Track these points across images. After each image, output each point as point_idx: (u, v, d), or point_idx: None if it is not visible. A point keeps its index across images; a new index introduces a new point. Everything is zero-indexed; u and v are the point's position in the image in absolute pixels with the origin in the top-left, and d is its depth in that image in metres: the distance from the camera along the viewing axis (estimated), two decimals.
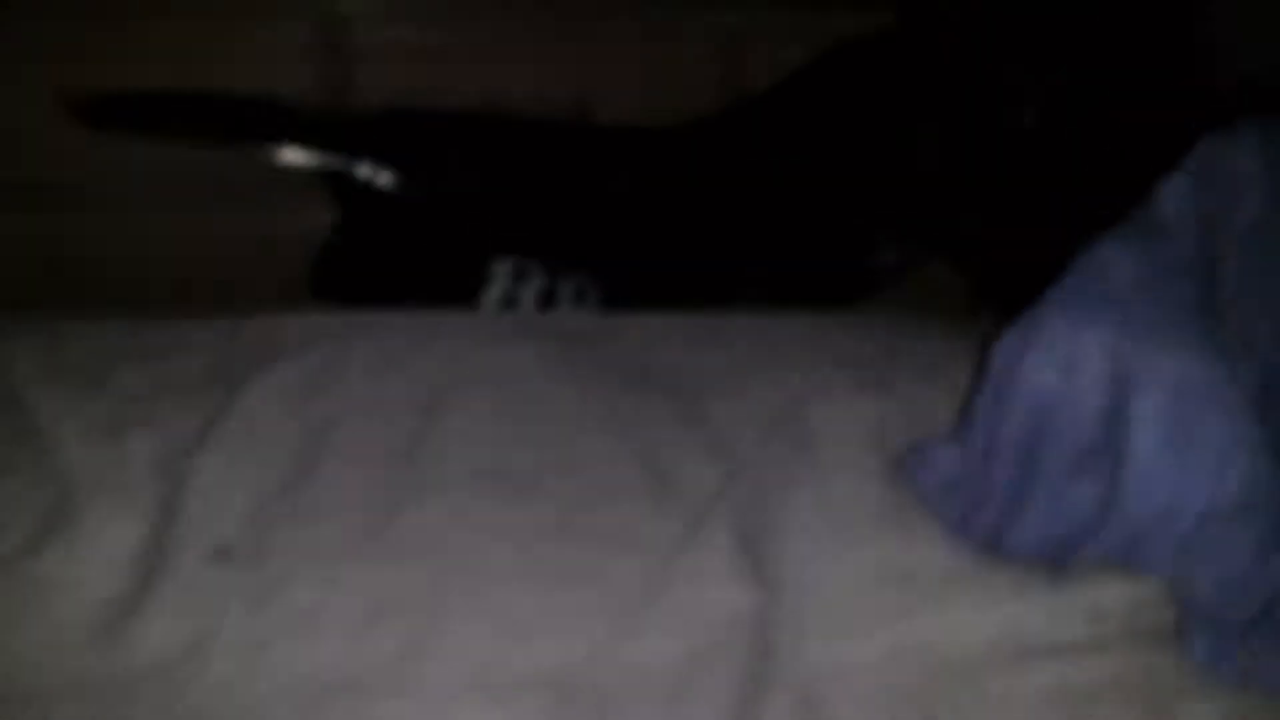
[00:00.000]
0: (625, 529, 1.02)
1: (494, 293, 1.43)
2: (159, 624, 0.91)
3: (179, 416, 1.09)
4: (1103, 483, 0.95)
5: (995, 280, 1.68)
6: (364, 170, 1.44)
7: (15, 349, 1.16)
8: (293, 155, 1.44)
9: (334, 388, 1.13)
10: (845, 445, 1.11)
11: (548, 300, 1.44)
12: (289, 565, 0.96)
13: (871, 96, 1.54)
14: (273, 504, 1.01)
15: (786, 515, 1.04)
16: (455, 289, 1.43)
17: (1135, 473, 0.92)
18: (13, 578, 0.94)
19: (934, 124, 1.51)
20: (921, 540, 1.02)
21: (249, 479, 1.04)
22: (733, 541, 1.00)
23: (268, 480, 1.04)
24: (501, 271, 1.44)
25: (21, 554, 0.96)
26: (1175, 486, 0.92)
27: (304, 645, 0.90)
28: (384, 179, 1.44)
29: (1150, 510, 0.92)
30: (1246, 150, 1.05)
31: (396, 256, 1.46)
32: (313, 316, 1.26)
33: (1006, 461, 0.98)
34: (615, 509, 1.03)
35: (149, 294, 1.72)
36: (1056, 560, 1.00)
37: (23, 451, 1.04)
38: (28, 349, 1.16)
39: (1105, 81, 1.50)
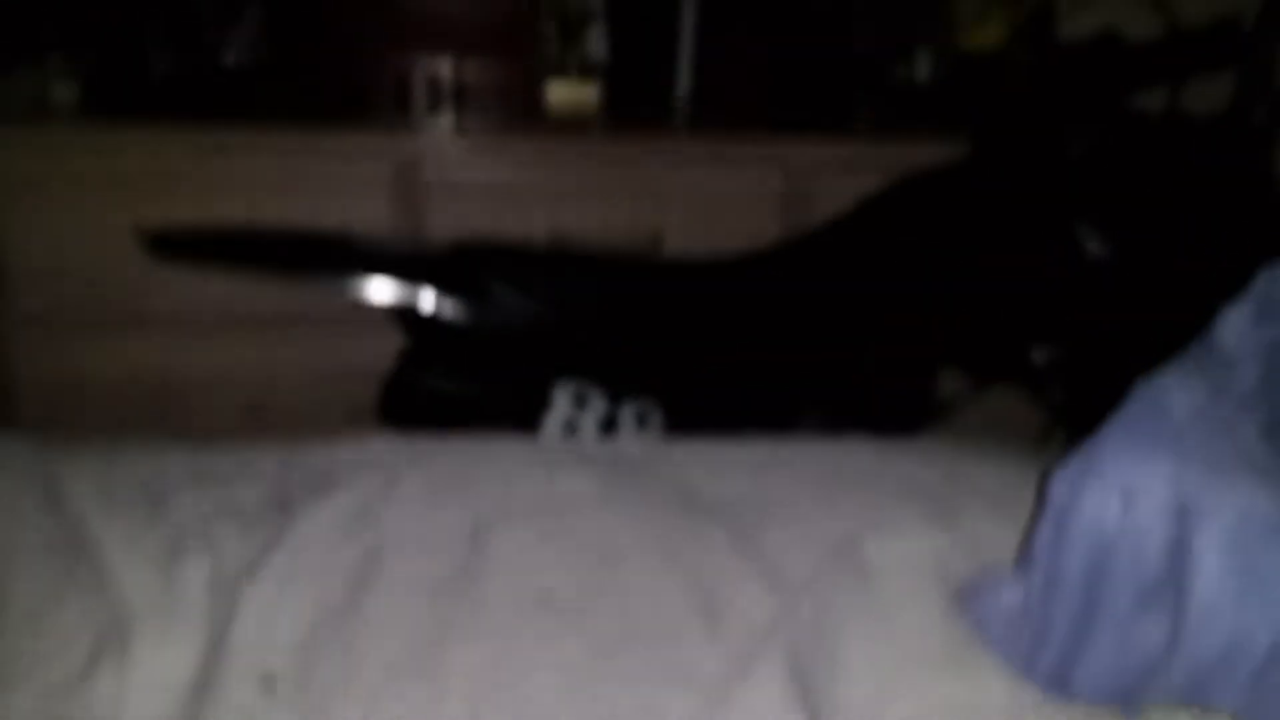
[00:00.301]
0: (674, 662, 0.99)
1: (555, 418, 1.44)
2: None
3: (234, 543, 1.09)
4: (1168, 618, 0.91)
5: (1069, 409, 1.66)
6: (431, 301, 1.46)
7: (79, 472, 1.17)
8: (362, 289, 1.46)
9: (386, 516, 1.13)
10: (905, 578, 1.08)
11: (609, 426, 1.45)
12: (333, 694, 0.95)
13: (939, 226, 1.54)
14: (320, 632, 1.01)
15: (843, 650, 1.01)
16: (518, 415, 1.44)
17: (1200, 608, 0.88)
18: (66, 703, 0.94)
19: (1001, 254, 1.50)
20: (984, 678, 0.99)
21: (298, 607, 1.03)
22: (787, 677, 0.98)
23: (317, 608, 1.03)
24: (563, 397, 1.45)
25: (75, 680, 0.95)
26: (1242, 621, 0.88)
27: None
28: (450, 309, 1.46)
29: (1217, 646, 0.89)
30: None
31: (461, 384, 1.48)
32: (369, 443, 1.26)
33: (1069, 597, 0.94)
34: (665, 641, 1.01)
35: (221, 418, 1.77)
36: (1124, 699, 0.96)
37: (79, 577, 1.04)
38: (91, 473, 1.17)
39: (1178, 216, 1.49)
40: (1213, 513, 0.89)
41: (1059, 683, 0.97)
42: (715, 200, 1.81)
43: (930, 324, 1.52)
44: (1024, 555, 1.01)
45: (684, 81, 2.01)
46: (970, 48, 1.74)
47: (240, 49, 1.90)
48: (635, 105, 1.96)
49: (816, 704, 0.96)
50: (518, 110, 1.90)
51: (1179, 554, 0.90)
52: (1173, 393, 0.95)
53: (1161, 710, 0.96)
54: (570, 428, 1.44)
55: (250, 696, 0.95)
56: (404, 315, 1.49)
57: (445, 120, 1.83)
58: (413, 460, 1.22)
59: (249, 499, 1.17)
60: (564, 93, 1.93)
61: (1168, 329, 1.08)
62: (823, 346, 1.53)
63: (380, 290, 1.46)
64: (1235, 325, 1.02)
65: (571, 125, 1.88)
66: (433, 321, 1.47)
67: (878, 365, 1.59)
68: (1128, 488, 0.91)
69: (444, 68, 1.90)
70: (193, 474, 1.20)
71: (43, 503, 1.13)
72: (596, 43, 2.01)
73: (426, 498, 1.16)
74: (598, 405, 1.45)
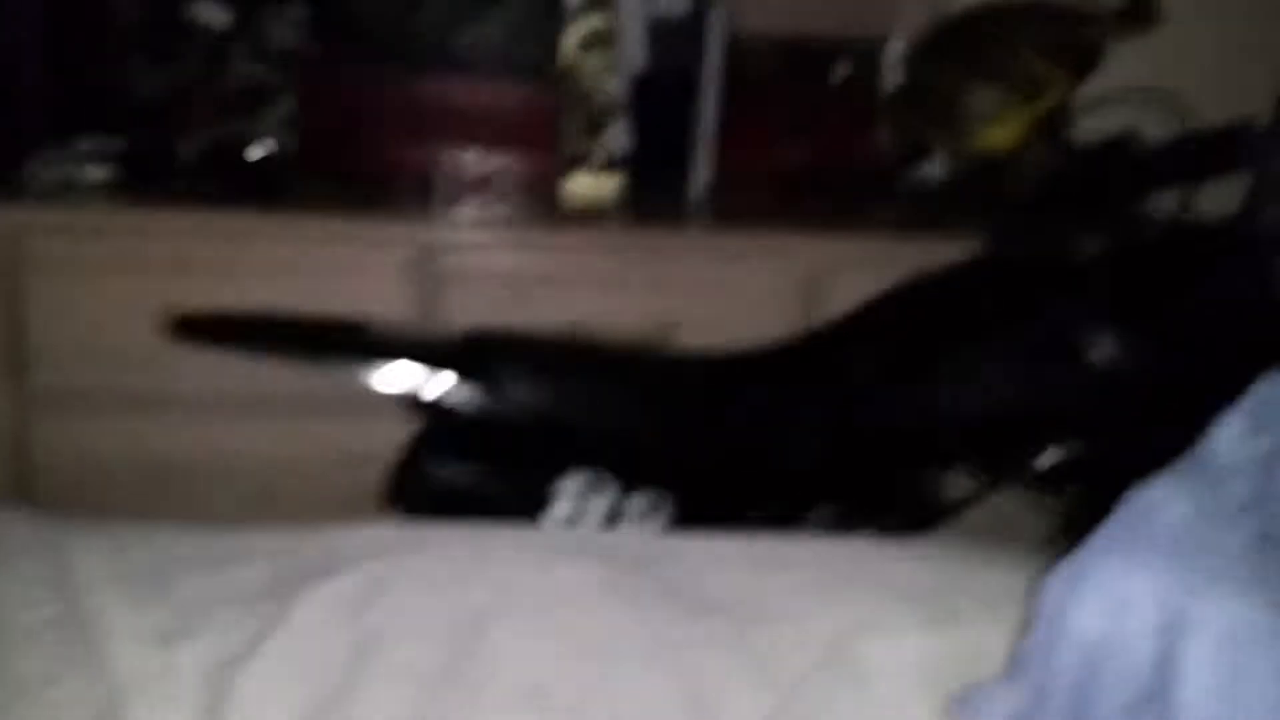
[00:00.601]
0: None
1: (561, 508, 1.45)
2: None
3: (233, 627, 1.10)
4: None
5: (1075, 513, 1.65)
6: (443, 389, 1.48)
7: (85, 553, 1.18)
8: (375, 375, 1.48)
9: (384, 603, 1.13)
10: (899, 682, 1.08)
11: (613, 518, 1.45)
12: None
13: (947, 327, 1.55)
14: None
15: None
16: (525, 504, 1.45)
17: None
18: None
19: (1009, 357, 1.50)
20: None
21: (292, 694, 1.04)
22: None
23: (310, 696, 1.03)
24: (572, 487, 1.46)
25: None
26: None
27: None
28: (462, 397, 1.48)
29: None
30: None
31: (469, 472, 1.49)
32: (371, 530, 1.26)
33: (1059, 706, 0.94)
34: None
35: (234, 501, 1.79)
36: None
37: (77, 657, 1.05)
38: (96, 553, 1.19)
39: (1186, 322, 1.49)
40: (1201, 626, 0.88)
41: None
42: (731, 294, 1.83)
43: (937, 425, 1.52)
44: (1015, 663, 1.00)
45: (702, 176, 2.03)
46: (984, 148, 1.76)
47: (269, 135, 1.95)
48: (654, 199, 1.99)
49: None
50: (538, 202, 1.93)
51: (1167, 666, 0.89)
52: (1163, 503, 0.95)
53: None
54: (575, 519, 1.44)
55: None
56: (415, 402, 1.51)
57: (465, 211, 1.86)
58: (414, 548, 1.22)
59: (249, 583, 1.18)
60: (584, 185, 1.96)
61: (1173, 437, 1.08)
62: (831, 444, 1.53)
63: (393, 377, 1.48)
64: (1228, 436, 1.02)
65: (590, 217, 1.90)
66: (443, 409, 1.49)
67: (886, 464, 1.59)
68: (1116, 598, 0.91)
69: (467, 159, 1.94)
70: (197, 557, 1.21)
71: (48, 580, 1.14)
72: (618, 136, 2.05)
73: (426, 586, 1.17)
74: (606, 495, 1.45)
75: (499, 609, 1.14)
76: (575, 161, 1.98)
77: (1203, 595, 0.89)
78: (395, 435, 1.53)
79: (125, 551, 1.20)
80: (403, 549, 1.22)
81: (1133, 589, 0.91)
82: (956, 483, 1.64)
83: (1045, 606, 0.95)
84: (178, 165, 1.83)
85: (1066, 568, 0.94)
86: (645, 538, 1.32)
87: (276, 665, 1.06)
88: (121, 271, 1.73)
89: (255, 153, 1.91)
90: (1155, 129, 1.70)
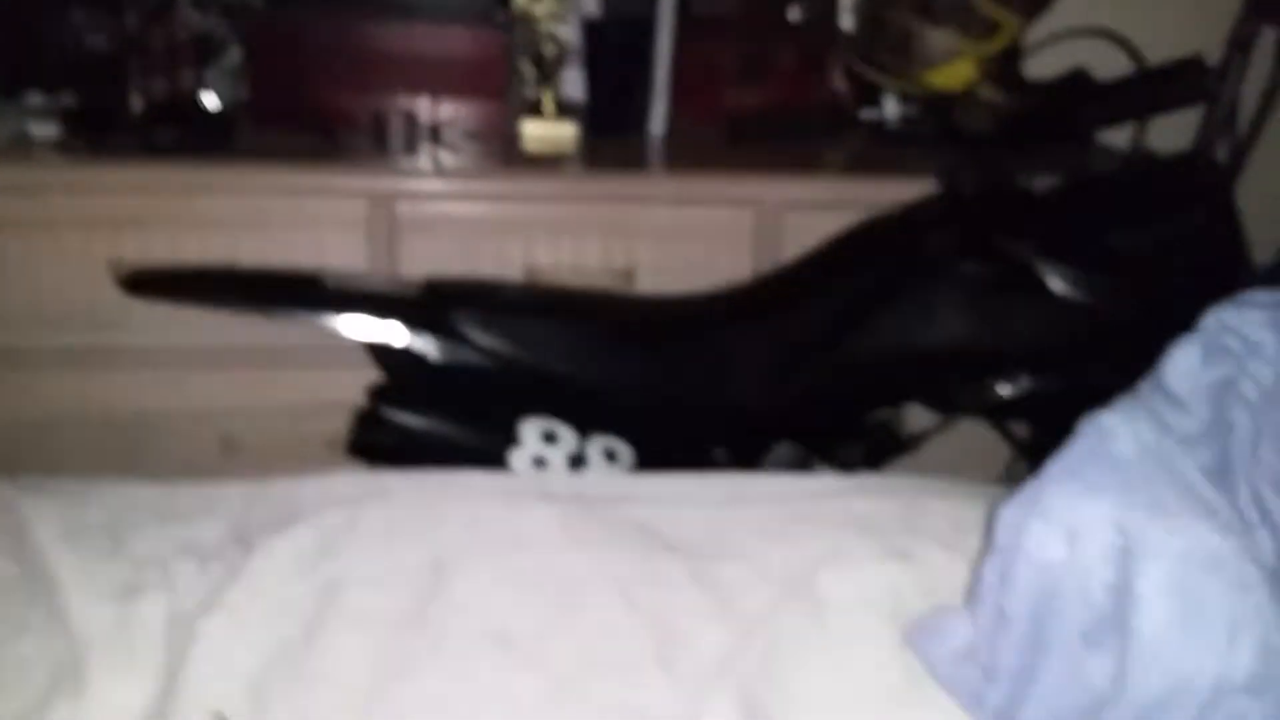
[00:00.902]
0: (629, 697, 1.00)
1: (524, 455, 1.45)
2: None
3: (192, 580, 1.10)
4: (1113, 657, 0.91)
5: (1034, 443, 1.67)
6: (403, 338, 1.47)
7: (39, 510, 1.17)
8: (334, 325, 1.47)
9: (345, 551, 1.13)
10: (858, 614, 1.09)
11: (577, 463, 1.45)
12: None
13: (903, 264, 1.55)
14: (275, 668, 1.01)
15: (795, 685, 1.02)
16: (487, 451, 1.45)
17: (1143, 646, 0.89)
18: None
19: (966, 291, 1.51)
20: (933, 714, 1.00)
21: (255, 642, 1.04)
22: (740, 710, 0.98)
23: (273, 644, 1.03)
24: (532, 434, 1.46)
25: (29, 714, 0.96)
26: (1185, 660, 0.88)
27: None
28: (422, 346, 1.47)
29: (1161, 684, 0.89)
30: (1257, 319, 1.03)
31: (431, 420, 1.48)
32: (332, 479, 1.26)
33: (1016, 635, 0.95)
34: (620, 676, 1.02)
35: (195, 454, 1.78)
36: None
37: (37, 611, 1.05)
38: (51, 510, 1.18)
39: (1140, 253, 1.50)
40: (1156, 553, 0.89)
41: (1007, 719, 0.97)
42: (688, 237, 1.82)
43: (896, 360, 1.53)
44: (973, 592, 1.01)
45: (658, 120, 2.03)
46: (939, 88, 1.76)
47: (218, 87, 1.92)
48: (610, 144, 1.98)
49: None
50: (494, 149, 1.91)
51: (1122, 593, 0.90)
52: (1118, 432, 0.96)
53: None
54: (539, 464, 1.44)
55: None
56: (376, 351, 1.50)
57: (420, 159, 1.84)
58: (376, 495, 1.22)
59: (209, 536, 1.17)
60: (539, 132, 1.95)
61: (1130, 369, 1.09)
62: (790, 383, 1.53)
63: (351, 327, 1.47)
64: (1182, 365, 1.03)
65: (546, 164, 1.89)
66: (404, 358, 1.48)
67: (844, 401, 1.60)
68: (1071, 527, 0.92)
69: (419, 107, 1.92)
70: (156, 511, 1.20)
71: (4, 539, 1.13)
72: (573, 83, 2.04)
73: (387, 533, 1.17)
74: (567, 442, 1.45)
75: (461, 554, 1.14)
76: (530, 108, 1.96)
77: (1157, 524, 0.90)
78: (355, 385, 1.53)
79: (81, 508, 1.19)
80: (363, 497, 1.22)
81: (1089, 515, 0.92)
82: (915, 417, 1.66)
83: (1002, 535, 0.96)
84: (127, 119, 1.80)
85: (1023, 496, 0.95)
86: (606, 480, 1.32)
87: (238, 615, 1.06)
88: (74, 227, 1.70)
89: (205, 105, 1.88)
90: (1104, 69, 1.70)
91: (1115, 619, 0.91)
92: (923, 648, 1.04)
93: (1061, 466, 0.95)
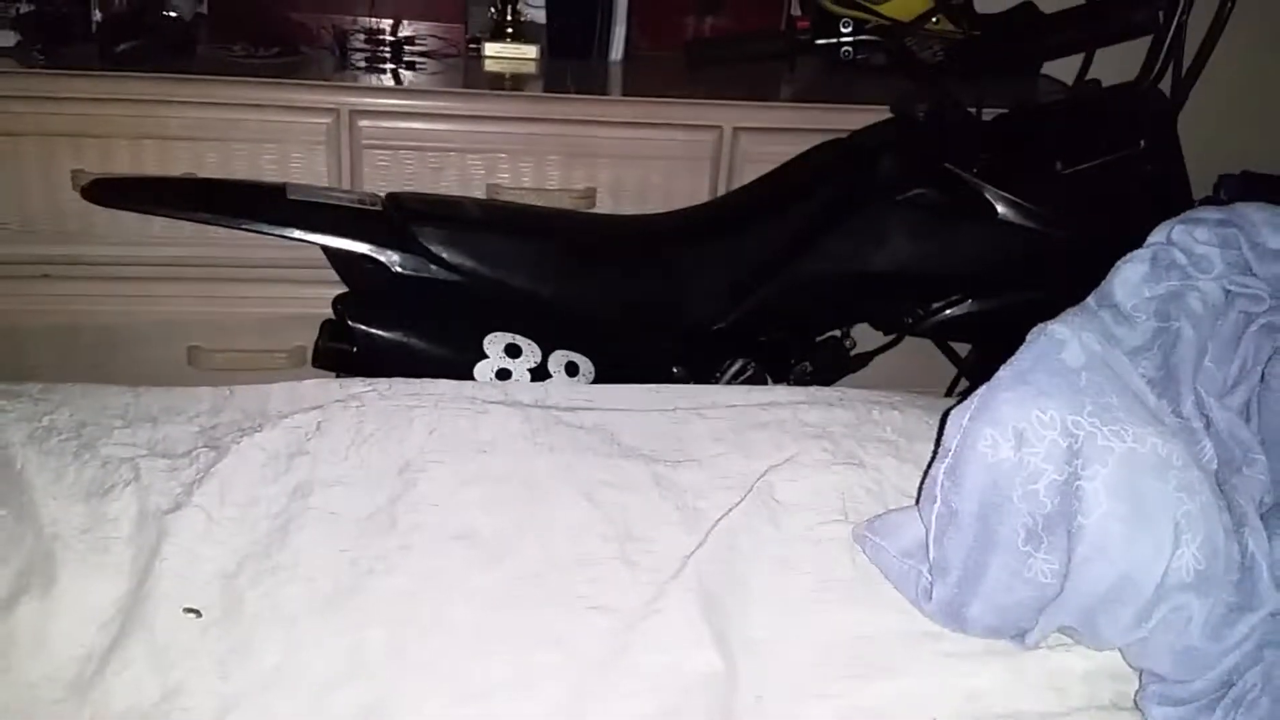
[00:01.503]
0: (592, 592, 1.03)
1: (488, 367, 1.47)
2: (128, 681, 0.92)
3: (163, 480, 1.12)
4: (1059, 555, 0.96)
5: (977, 362, 1.72)
6: (366, 250, 1.48)
7: (13, 412, 1.19)
8: (298, 236, 1.47)
9: (315, 454, 1.16)
10: (811, 515, 1.13)
11: (539, 376, 1.48)
12: (258, 626, 0.98)
13: (855, 189, 1.58)
14: (247, 565, 1.03)
15: (751, 581, 1.06)
16: (451, 363, 1.47)
17: (1089, 545, 0.93)
18: None
19: (915, 215, 1.55)
20: (882, 610, 1.04)
21: (226, 540, 1.06)
22: (699, 606, 1.02)
23: (244, 542, 1.06)
24: (496, 347, 1.48)
25: None
26: (1130, 559, 0.92)
27: (269, 705, 0.91)
28: (385, 259, 1.48)
29: (1105, 582, 0.93)
30: (1203, 234, 1.07)
31: (395, 332, 1.50)
32: (300, 385, 1.28)
33: (964, 533, 0.99)
34: (583, 573, 1.05)
35: (162, 365, 1.78)
36: (1016, 632, 1.01)
37: (7, 510, 1.06)
38: (25, 412, 1.19)
39: (1086, 179, 1.54)
40: (1102, 454, 0.93)
41: (954, 616, 1.01)
42: (647, 160, 1.84)
43: (846, 281, 1.57)
44: (923, 494, 1.05)
45: (618, 46, 2.04)
46: (890, 17, 1.78)
47: (181, 0, 1.90)
48: (571, 67, 1.99)
49: (725, 631, 1.00)
50: (456, 70, 1.92)
51: (1069, 493, 0.94)
52: (1066, 340, 0.99)
53: (1054, 642, 1.02)
54: (502, 376, 1.46)
55: (176, 627, 0.97)
56: (341, 264, 1.51)
57: (383, 78, 1.84)
58: (343, 401, 1.24)
59: (179, 438, 1.19)
60: (501, 54, 1.96)
61: (1074, 291, 1.12)
62: (742, 302, 1.57)
63: (315, 238, 1.47)
64: (1128, 279, 1.07)
65: (508, 84, 1.90)
66: (368, 270, 1.49)
67: (796, 320, 1.64)
68: (1020, 429, 0.95)
69: (377, 27, 1.92)
70: (125, 415, 1.22)
71: None
72: (534, 4, 2.04)
73: (356, 437, 1.19)
74: (529, 356, 1.47)
75: (428, 457, 1.17)
76: (493, 30, 1.97)
77: (1103, 427, 0.94)
78: (320, 300, 1.54)
79: (49, 411, 1.20)
80: (331, 403, 1.23)
81: (1037, 418, 0.95)
82: (864, 336, 1.70)
83: (953, 436, 0.99)
84: (86, 30, 1.78)
85: (974, 400, 0.99)
86: (568, 389, 1.34)
87: (209, 514, 1.08)
88: (36, 138, 1.69)
89: (166, 18, 1.86)
90: (1055, 3, 1.73)
91: (1062, 518, 0.95)
92: (873, 546, 1.08)
93: (1011, 372, 0.98)
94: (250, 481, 1.12)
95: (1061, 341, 0.99)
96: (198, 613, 0.99)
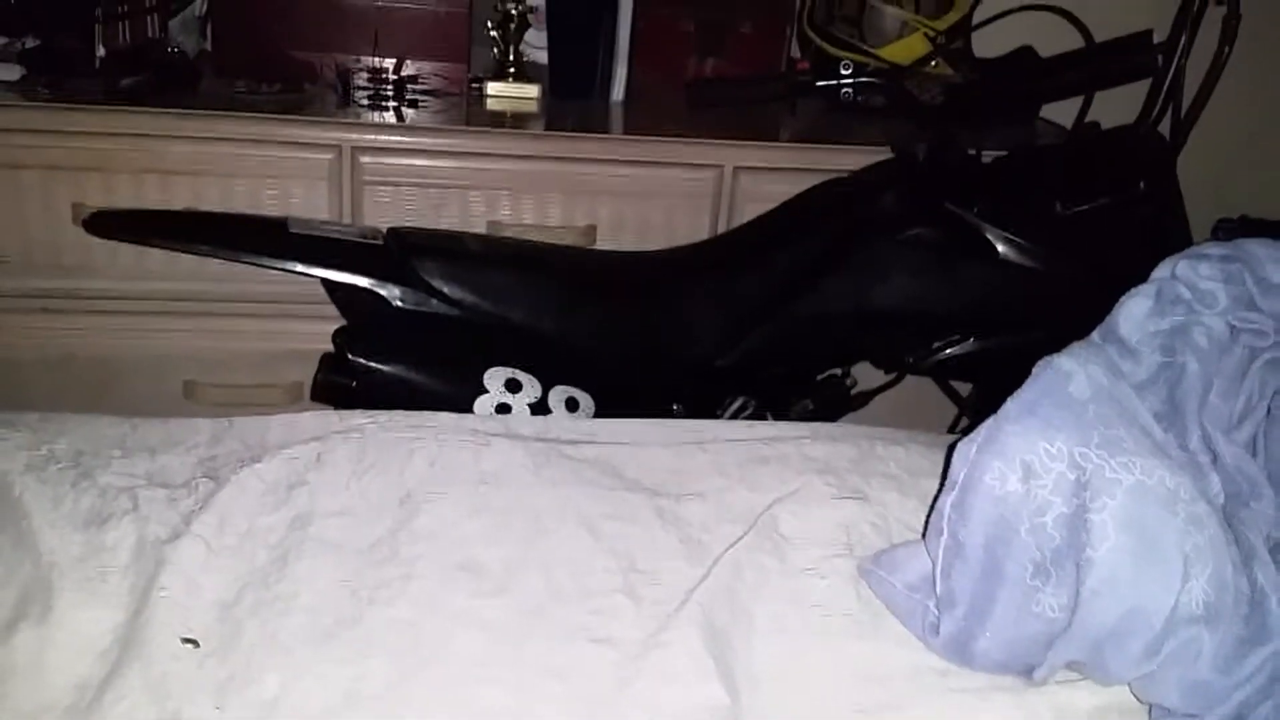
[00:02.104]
0: (596, 624, 1.02)
1: (488, 402, 1.46)
2: (125, 711, 0.91)
3: (161, 510, 1.11)
4: (1067, 588, 0.95)
5: (978, 401, 1.72)
6: (367, 284, 1.48)
7: (11, 440, 1.18)
8: (298, 270, 1.47)
9: (315, 484, 1.15)
10: (815, 549, 1.12)
11: (539, 411, 1.47)
12: (257, 655, 0.96)
13: (856, 228, 1.59)
14: (246, 595, 1.02)
15: (756, 616, 1.05)
16: (451, 398, 1.46)
17: (1097, 579, 0.92)
18: None
19: (917, 256, 1.55)
20: (888, 644, 1.03)
21: (224, 570, 1.05)
22: (703, 639, 1.01)
23: (243, 571, 1.05)
24: (496, 382, 1.47)
25: None
26: (1138, 593, 0.92)
27: None
28: (386, 294, 1.48)
29: (1114, 616, 0.93)
30: (1207, 269, 1.08)
31: (395, 366, 1.49)
32: (300, 417, 1.27)
33: (971, 567, 0.98)
34: (587, 604, 1.04)
35: (159, 399, 1.78)
36: (1023, 667, 1.00)
37: (4, 539, 1.05)
38: (24, 441, 1.18)
39: (1086, 219, 1.55)
40: (1110, 487, 0.93)
41: (961, 651, 1.00)
42: (648, 198, 1.85)
43: (847, 319, 1.57)
44: (930, 526, 1.04)
45: (619, 86, 2.05)
46: (891, 61, 1.80)
47: (183, 37, 1.91)
48: (572, 106, 2.00)
49: (730, 664, 0.99)
50: (458, 109, 1.93)
51: (1077, 526, 0.94)
52: (1073, 372, 0.99)
53: (1062, 677, 1.01)
54: (502, 411, 1.46)
55: (173, 658, 0.96)
56: (341, 298, 1.51)
57: (387, 114, 1.85)
58: (343, 433, 1.23)
59: (178, 469, 1.18)
60: (503, 94, 1.97)
61: (1073, 331, 1.13)
62: (743, 340, 1.57)
63: (316, 273, 1.47)
64: (1133, 314, 1.07)
65: (510, 123, 1.91)
66: (369, 304, 1.49)
67: (798, 357, 1.64)
68: (1027, 461, 0.95)
69: (380, 65, 1.93)
70: (123, 445, 1.21)
71: None
72: (536, 45, 2.06)
73: (356, 468, 1.18)
74: (530, 391, 1.47)
75: (429, 489, 1.16)
76: (495, 70, 1.98)
77: (1113, 458, 0.94)
78: (318, 336, 1.54)
79: (48, 442, 1.19)
80: (331, 434, 1.23)
81: (1042, 452, 0.95)
82: (864, 374, 1.70)
83: (957, 471, 0.99)
84: (91, 64, 1.79)
85: (981, 432, 0.98)
86: (570, 422, 1.34)
87: (208, 543, 1.07)
88: (38, 171, 1.69)
89: (170, 54, 1.87)
90: (1053, 46, 1.75)
91: (1070, 551, 0.94)
92: (878, 580, 1.07)
93: (1018, 405, 0.98)
94: (249, 511, 1.11)
95: (1068, 374, 0.99)
96: (196, 643, 0.98)
